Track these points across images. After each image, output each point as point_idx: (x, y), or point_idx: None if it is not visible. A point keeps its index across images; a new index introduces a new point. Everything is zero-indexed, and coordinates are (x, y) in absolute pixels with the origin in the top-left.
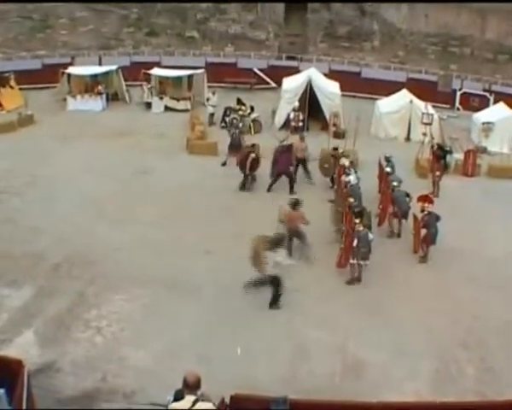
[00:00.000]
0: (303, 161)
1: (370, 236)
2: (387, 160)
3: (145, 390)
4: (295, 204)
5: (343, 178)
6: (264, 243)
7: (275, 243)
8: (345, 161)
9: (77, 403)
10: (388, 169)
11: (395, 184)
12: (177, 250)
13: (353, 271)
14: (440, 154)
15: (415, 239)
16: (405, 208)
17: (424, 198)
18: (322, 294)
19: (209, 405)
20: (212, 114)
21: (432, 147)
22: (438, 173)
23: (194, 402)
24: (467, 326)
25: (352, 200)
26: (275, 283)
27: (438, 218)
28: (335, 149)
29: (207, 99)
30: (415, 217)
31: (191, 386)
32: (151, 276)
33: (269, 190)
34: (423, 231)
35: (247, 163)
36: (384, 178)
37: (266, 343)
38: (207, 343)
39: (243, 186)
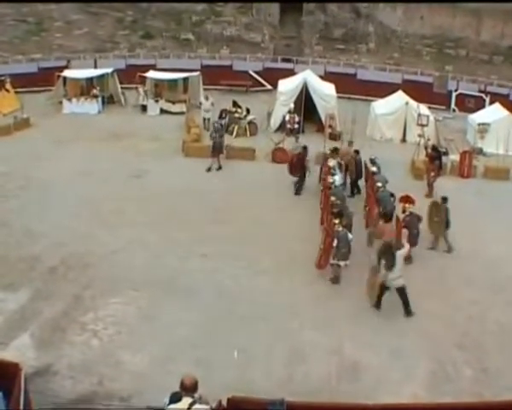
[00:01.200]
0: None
1: (350, 236)
2: (373, 161)
3: (142, 394)
4: (388, 216)
5: (328, 178)
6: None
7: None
8: (331, 162)
9: (74, 407)
10: (374, 169)
11: (379, 184)
12: (173, 253)
13: (335, 270)
14: (435, 155)
15: (396, 240)
16: (390, 209)
17: (405, 199)
18: (317, 296)
19: (206, 408)
20: (206, 119)
21: (426, 148)
22: (432, 174)
23: (191, 405)
24: (463, 328)
25: (333, 198)
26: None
27: (419, 218)
28: (333, 150)
29: (200, 104)
30: (396, 218)
31: (188, 389)
32: (147, 279)
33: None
34: (405, 232)
35: (305, 164)
36: (370, 178)
37: (263, 346)
38: (204, 346)
39: (300, 188)
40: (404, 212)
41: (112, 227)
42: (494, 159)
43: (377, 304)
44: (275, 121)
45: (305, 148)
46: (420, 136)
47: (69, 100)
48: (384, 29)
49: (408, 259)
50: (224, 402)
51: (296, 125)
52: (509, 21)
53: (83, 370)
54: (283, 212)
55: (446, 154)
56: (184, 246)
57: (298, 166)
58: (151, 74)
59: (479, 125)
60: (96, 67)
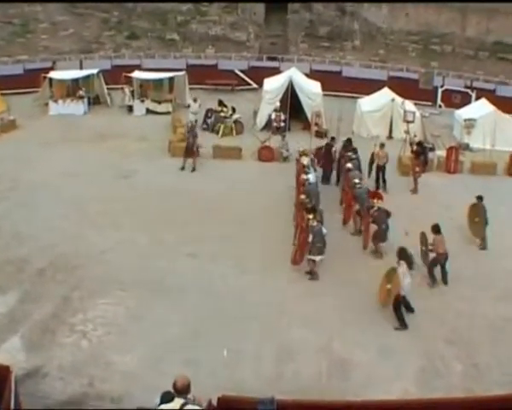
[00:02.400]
0: (383, 169)
1: (324, 230)
2: (349, 158)
3: (132, 395)
4: (438, 229)
5: (302, 176)
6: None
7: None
8: (304, 160)
9: (64, 408)
10: (349, 165)
11: (356, 181)
12: (160, 253)
13: (311, 266)
14: (419, 150)
15: (365, 235)
16: (367, 205)
17: (374, 194)
18: (305, 294)
19: (197, 408)
20: (191, 121)
21: (411, 144)
22: (417, 170)
23: (183, 405)
24: (452, 323)
25: (303, 196)
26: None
27: (388, 214)
28: (319, 148)
29: (188, 106)
30: (366, 213)
31: (180, 390)
32: (136, 279)
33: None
34: (373, 227)
35: (332, 157)
36: (345, 175)
37: (252, 345)
38: (193, 346)
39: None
40: (372, 207)
41: (100, 228)
42: (481, 154)
43: (404, 322)
44: (261, 120)
45: (333, 138)
46: (406, 132)
47: (55, 101)
48: (369, 26)
49: (377, 253)
50: (215, 402)
51: (282, 124)
52: (494, 17)
53: (73, 371)
54: (270, 210)
55: (433, 150)
56: (172, 246)
57: (326, 157)
58: (137, 74)
59: (465, 120)
60: (81, 67)
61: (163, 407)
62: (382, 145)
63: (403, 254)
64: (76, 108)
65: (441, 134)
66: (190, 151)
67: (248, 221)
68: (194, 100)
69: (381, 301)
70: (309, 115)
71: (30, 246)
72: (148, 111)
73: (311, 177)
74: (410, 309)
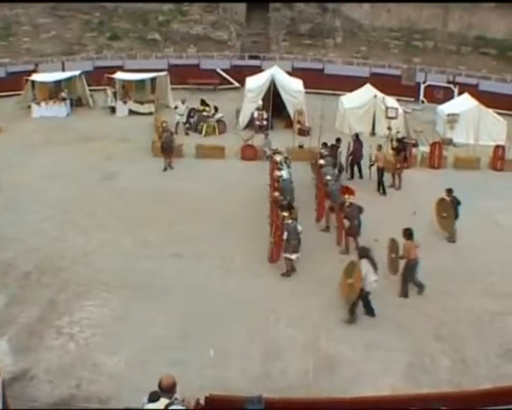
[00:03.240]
0: (382, 171)
1: (299, 228)
2: (322, 155)
3: (120, 395)
4: (410, 234)
5: (275, 172)
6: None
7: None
8: (277, 157)
9: None
10: (322, 162)
11: (329, 177)
12: (145, 254)
13: (287, 264)
14: (400, 147)
15: (337, 231)
16: (340, 201)
17: (345, 190)
18: (290, 292)
19: (183, 409)
20: (178, 123)
21: (391, 140)
22: (399, 166)
23: (168, 405)
24: (439, 318)
25: (277, 194)
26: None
27: (360, 209)
28: (301, 146)
29: (175, 107)
30: (338, 209)
31: (165, 389)
32: (121, 281)
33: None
34: (346, 223)
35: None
36: (318, 172)
37: (238, 344)
38: (180, 346)
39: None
40: (344, 203)
41: (84, 230)
42: (464, 149)
43: (354, 317)
44: (243, 119)
45: (338, 140)
46: (389, 128)
47: (38, 104)
48: (351, 23)
49: (346, 250)
50: (202, 401)
51: (265, 122)
52: (476, 12)
53: (60, 374)
54: (254, 209)
55: (416, 145)
56: (157, 247)
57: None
58: (119, 75)
59: (448, 115)
60: (63, 70)
61: (148, 406)
62: (380, 147)
63: (364, 253)
64: (59, 110)
65: (424, 130)
66: (168, 150)
67: (232, 220)
68: (183, 101)
69: (344, 296)
70: (291, 113)
71: (15, 249)
72: (131, 112)
73: (285, 173)
74: (370, 312)
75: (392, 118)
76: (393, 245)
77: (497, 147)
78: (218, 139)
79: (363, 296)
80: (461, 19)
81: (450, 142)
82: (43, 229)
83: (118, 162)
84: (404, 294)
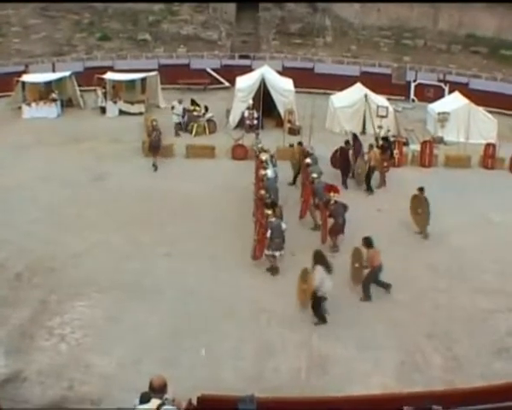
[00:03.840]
0: (373, 170)
1: (283, 225)
2: (308, 153)
3: (112, 396)
4: (370, 243)
5: (260, 171)
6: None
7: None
8: (263, 156)
9: None
10: (308, 160)
11: (314, 175)
12: (136, 254)
13: (270, 261)
14: (385, 145)
15: (322, 229)
16: (324, 199)
17: (330, 188)
18: (282, 291)
19: (173, 408)
20: (178, 123)
21: (376, 139)
22: (385, 164)
23: (160, 406)
24: (430, 316)
25: (263, 192)
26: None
27: (345, 207)
28: (291, 145)
29: (172, 107)
30: (323, 206)
31: (156, 390)
32: (112, 281)
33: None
34: (330, 221)
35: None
36: (304, 170)
37: (230, 343)
38: (171, 346)
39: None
40: (329, 201)
41: (75, 231)
42: (455, 147)
43: (322, 318)
44: (234, 118)
45: (347, 142)
46: (379, 127)
47: (28, 105)
48: (341, 22)
49: (335, 247)
50: (194, 401)
51: (255, 122)
52: (466, 10)
53: (52, 375)
54: (244, 208)
55: (407, 144)
56: (148, 247)
57: (342, 161)
58: (109, 76)
59: (439, 114)
60: (54, 70)
61: (139, 407)
62: (371, 146)
63: (318, 258)
64: (49, 110)
65: (415, 128)
66: (156, 148)
67: (223, 220)
68: (180, 102)
69: (300, 301)
70: (282, 112)
71: (6, 250)
72: (121, 112)
73: (270, 172)
74: (321, 319)
75: (382, 117)
76: (357, 254)
77: (488, 145)
78: (208, 139)
79: (319, 299)
80: (451, 17)
81: (440, 140)
82: (34, 230)
83: (108, 163)
84: (367, 297)
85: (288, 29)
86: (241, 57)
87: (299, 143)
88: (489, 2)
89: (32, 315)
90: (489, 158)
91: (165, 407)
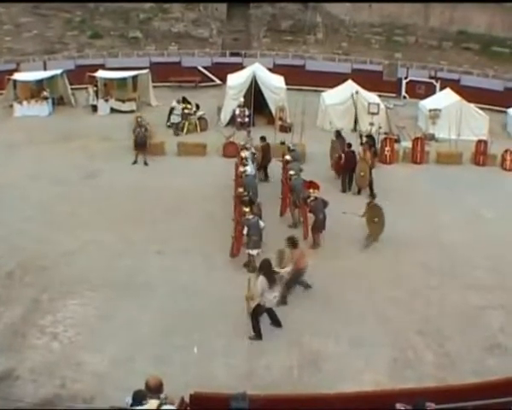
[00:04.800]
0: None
1: (261, 224)
2: (289, 149)
3: (104, 394)
4: (294, 243)
5: (240, 168)
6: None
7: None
8: (242, 153)
9: None
10: (287, 157)
11: (292, 172)
12: (128, 252)
13: (249, 259)
14: (370, 142)
15: (303, 226)
16: (304, 197)
17: (310, 184)
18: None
19: (173, 408)
20: (176, 123)
21: (360, 136)
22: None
23: (159, 406)
24: (422, 314)
25: (241, 190)
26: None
27: (325, 203)
28: (283, 142)
29: (173, 108)
30: (303, 203)
31: (153, 389)
32: (104, 279)
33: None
34: (311, 217)
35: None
36: (284, 166)
37: (222, 341)
38: (163, 344)
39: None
40: (308, 197)
41: (67, 229)
42: (446, 144)
43: (259, 334)
44: (225, 116)
45: (349, 145)
46: (371, 124)
47: (20, 103)
48: (332, 19)
49: (316, 244)
50: (187, 399)
51: (246, 119)
52: (458, 7)
53: (45, 373)
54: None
55: (398, 141)
56: (140, 244)
57: (346, 165)
58: (100, 74)
59: (430, 111)
60: (45, 68)
61: (139, 408)
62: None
63: (264, 268)
64: (40, 109)
65: (406, 125)
66: (143, 146)
67: (214, 217)
68: (178, 102)
69: (246, 310)
70: (273, 110)
71: None
72: (113, 110)
73: (249, 169)
74: (276, 323)
75: (373, 114)
76: (280, 256)
77: (480, 142)
78: (199, 137)
79: (266, 311)
80: (442, 14)
81: (432, 137)
82: (25, 228)
83: (100, 161)
84: (284, 302)
85: (278, 26)
86: (232, 55)
87: (282, 143)
88: (480, 2)
89: (24, 314)
90: (480, 155)
91: (164, 406)
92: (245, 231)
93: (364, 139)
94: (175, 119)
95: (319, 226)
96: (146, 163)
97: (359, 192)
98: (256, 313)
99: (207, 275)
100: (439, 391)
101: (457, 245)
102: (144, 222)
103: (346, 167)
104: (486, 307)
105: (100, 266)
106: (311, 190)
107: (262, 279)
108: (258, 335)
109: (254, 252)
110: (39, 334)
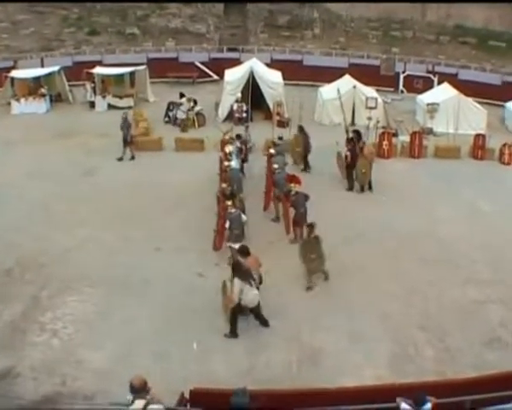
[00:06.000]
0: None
1: (243, 217)
2: (274, 144)
3: (105, 391)
4: (245, 251)
5: (224, 162)
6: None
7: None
8: (227, 149)
9: (38, 408)
10: (271, 151)
11: (275, 166)
12: (127, 249)
13: (232, 252)
14: (356, 137)
15: (285, 220)
16: (285, 190)
17: (291, 179)
18: (270, 284)
19: (160, 407)
20: (183, 119)
21: (346, 131)
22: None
23: (146, 405)
24: (422, 308)
25: (224, 185)
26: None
27: (306, 197)
28: (280, 138)
29: (180, 104)
30: (284, 197)
31: (138, 389)
32: (103, 276)
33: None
34: (292, 211)
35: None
36: (268, 160)
37: (221, 337)
38: (163, 340)
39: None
40: (290, 192)
41: (65, 226)
42: (444, 138)
43: (233, 331)
44: (223, 111)
45: (350, 140)
46: (369, 119)
47: (17, 100)
48: (329, 14)
49: (295, 239)
50: (187, 395)
51: (244, 114)
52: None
53: (45, 370)
54: None
55: (396, 135)
56: (138, 241)
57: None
58: (98, 70)
59: (428, 105)
60: (43, 65)
61: (124, 408)
62: (280, 138)
63: (237, 269)
64: (38, 106)
65: (404, 119)
66: (126, 141)
67: (212, 213)
68: (188, 100)
69: (224, 312)
70: (270, 105)
71: None
72: (110, 106)
73: (233, 163)
74: (263, 323)
75: (371, 108)
76: (224, 288)
77: (478, 136)
78: (197, 132)
79: (251, 311)
80: (439, 8)
81: (430, 131)
82: (24, 226)
83: (98, 157)
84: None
85: (276, 21)
86: (230, 50)
87: (280, 138)
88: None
89: (23, 311)
90: (478, 149)
91: (150, 406)
92: (227, 225)
93: (350, 135)
94: (181, 115)
95: (299, 220)
96: (121, 158)
97: (362, 190)
98: (234, 312)
99: (205, 271)
100: (438, 385)
101: (456, 239)
102: (142, 219)
103: (350, 165)
104: (485, 301)
105: (98, 263)
106: (293, 185)
107: (237, 281)
108: (233, 333)
109: (236, 246)
110: (39, 331)
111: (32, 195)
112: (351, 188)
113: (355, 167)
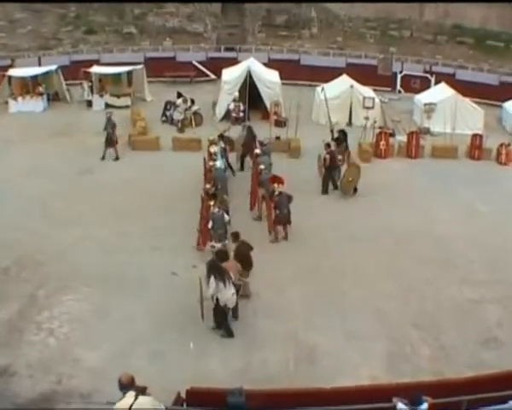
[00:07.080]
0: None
1: (226, 217)
2: (261, 143)
3: (101, 390)
4: (223, 257)
5: (209, 162)
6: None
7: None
8: (211, 149)
9: (35, 406)
10: (257, 151)
11: (262, 167)
12: (123, 247)
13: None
14: (341, 137)
15: (268, 220)
16: (272, 191)
17: (274, 179)
18: (267, 283)
19: (149, 398)
20: (179, 120)
21: (332, 131)
22: (340, 157)
23: (136, 396)
24: (418, 307)
25: (208, 186)
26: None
27: (290, 198)
28: (278, 137)
29: (177, 105)
30: (268, 197)
31: (127, 385)
32: (99, 274)
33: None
34: (275, 212)
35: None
36: (254, 160)
37: (218, 336)
38: (159, 339)
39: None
40: (273, 192)
41: (62, 225)
42: (441, 138)
43: (228, 331)
44: (220, 111)
45: (336, 139)
46: (366, 118)
47: (15, 99)
48: (327, 13)
49: (274, 238)
50: (183, 394)
51: (241, 114)
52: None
53: (41, 369)
54: (232, 201)
55: (393, 135)
56: (135, 240)
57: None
58: (95, 69)
59: (425, 105)
60: (40, 64)
61: (117, 404)
62: (328, 145)
63: (213, 269)
64: (35, 104)
65: (401, 119)
66: (111, 141)
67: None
68: (184, 100)
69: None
70: (268, 105)
71: None
72: (107, 105)
73: (219, 163)
74: (236, 317)
75: (368, 108)
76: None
77: (475, 136)
78: (194, 132)
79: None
80: (437, 8)
81: (427, 131)
82: (21, 224)
83: (95, 156)
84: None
85: (273, 21)
86: (227, 50)
87: (277, 138)
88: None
89: (20, 310)
90: (476, 149)
91: (141, 396)
92: (210, 225)
93: (336, 134)
94: (178, 115)
95: (282, 220)
96: (103, 157)
97: (336, 188)
98: (219, 315)
99: (201, 270)
100: (434, 385)
101: (452, 239)
102: (139, 217)
103: (330, 168)
104: (481, 301)
105: (95, 262)
106: (276, 185)
107: (213, 281)
108: (228, 332)
109: (219, 245)
110: (36, 330)
111: (28, 193)
112: (325, 191)
113: (334, 171)
